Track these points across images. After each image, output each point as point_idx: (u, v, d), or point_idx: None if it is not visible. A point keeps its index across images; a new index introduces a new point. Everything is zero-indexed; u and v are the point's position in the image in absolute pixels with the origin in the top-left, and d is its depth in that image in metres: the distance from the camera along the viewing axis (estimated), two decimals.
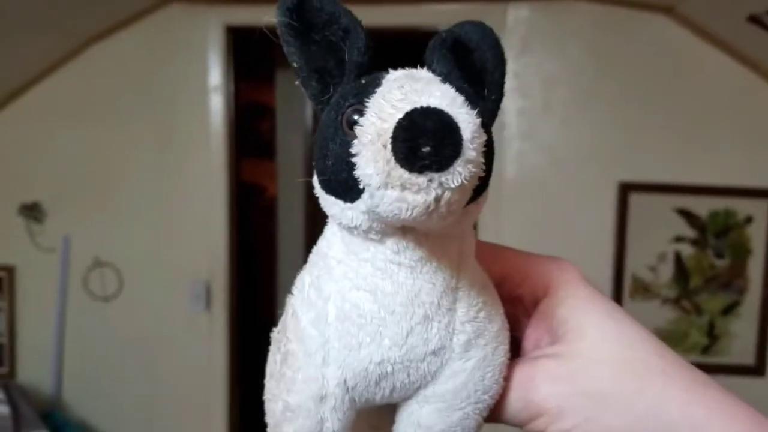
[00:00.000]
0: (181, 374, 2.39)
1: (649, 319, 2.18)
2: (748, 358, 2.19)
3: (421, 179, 0.27)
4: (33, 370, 2.42)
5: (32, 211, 2.35)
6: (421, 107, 0.27)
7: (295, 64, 0.34)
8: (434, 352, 0.34)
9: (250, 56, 2.48)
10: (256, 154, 3.47)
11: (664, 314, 2.19)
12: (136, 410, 2.41)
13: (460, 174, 0.27)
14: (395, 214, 0.28)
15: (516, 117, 2.19)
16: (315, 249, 0.37)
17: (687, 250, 2.18)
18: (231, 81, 2.31)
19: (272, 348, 0.38)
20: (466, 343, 0.35)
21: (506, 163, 2.19)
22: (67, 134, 2.34)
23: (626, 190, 2.16)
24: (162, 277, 2.36)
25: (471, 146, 0.27)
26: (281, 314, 0.38)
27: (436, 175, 0.27)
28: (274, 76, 3.20)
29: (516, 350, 0.39)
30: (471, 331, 0.35)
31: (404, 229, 0.32)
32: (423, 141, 0.26)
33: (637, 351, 0.35)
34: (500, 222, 2.21)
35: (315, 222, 2.95)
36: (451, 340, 0.34)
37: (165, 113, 2.31)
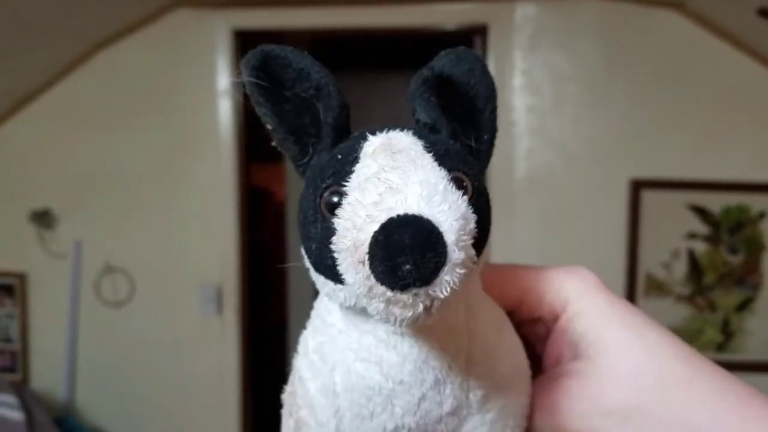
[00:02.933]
0: (193, 378, 2.38)
1: (663, 317, 2.16)
2: (764, 354, 2.17)
3: (405, 296, 0.24)
4: (46, 376, 2.43)
5: (43, 218, 2.35)
6: (398, 216, 0.24)
7: (269, 126, 0.32)
8: (451, 413, 0.32)
9: None
10: (265, 157, 3.47)
11: (678, 312, 2.18)
12: (148, 415, 2.41)
13: (448, 282, 0.24)
14: (384, 321, 0.26)
15: (526, 114, 2.18)
16: (315, 309, 0.35)
17: (700, 246, 2.16)
18: (239, 85, 2.30)
19: (284, 411, 0.36)
20: (483, 397, 0.33)
21: (517, 161, 2.18)
22: (77, 140, 2.34)
23: (638, 186, 2.14)
24: (173, 281, 2.36)
25: (457, 248, 0.25)
26: (289, 372, 0.36)
27: (421, 290, 0.24)
28: None
29: (537, 368, 0.38)
30: (488, 384, 0.33)
31: None
32: (402, 260, 0.24)
33: (659, 360, 0.34)
34: (511, 220, 2.19)
35: None
36: (467, 397, 0.32)
37: (174, 118, 2.32)
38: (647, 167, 2.16)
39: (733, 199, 2.14)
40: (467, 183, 0.28)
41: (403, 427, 0.31)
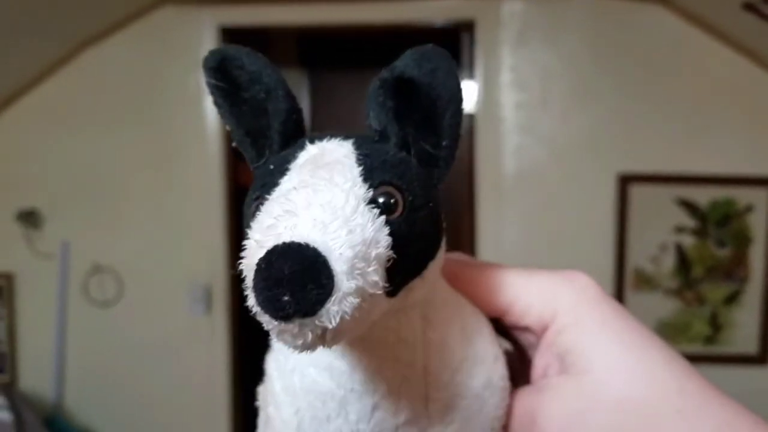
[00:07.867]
0: (182, 378, 2.37)
1: (652, 311, 2.18)
2: (751, 347, 2.19)
3: (290, 326, 0.23)
4: (34, 376, 2.41)
5: (30, 218, 2.33)
6: (282, 244, 0.23)
7: (227, 126, 0.31)
8: (408, 422, 0.31)
9: None
10: None
11: (666, 305, 2.19)
12: (137, 415, 2.40)
13: (336, 312, 0.23)
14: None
15: (514, 111, 2.18)
16: None
17: (688, 240, 2.17)
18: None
19: (260, 404, 0.37)
20: (443, 408, 0.32)
21: (505, 158, 2.18)
22: (63, 139, 2.32)
23: (626, 181, 2.15)
24: (162, 281, 2.35)
25: (350, 276, 0.23)
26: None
27: (306, 320, 0.23)
28: None
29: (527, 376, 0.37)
30: (447, 396, 0.32)
31: None
32: (279, 291, 0.23)
33: (650, 386, 0.31)
34: (500, 216, 2.20)
35: None
36: (426, 407, 0.32)
37: (161, 116, 2.30)
38: (635, 162, 2.17)
39: (720, 192, 2.15)
40: (398, 198, 0.27)
41: None
